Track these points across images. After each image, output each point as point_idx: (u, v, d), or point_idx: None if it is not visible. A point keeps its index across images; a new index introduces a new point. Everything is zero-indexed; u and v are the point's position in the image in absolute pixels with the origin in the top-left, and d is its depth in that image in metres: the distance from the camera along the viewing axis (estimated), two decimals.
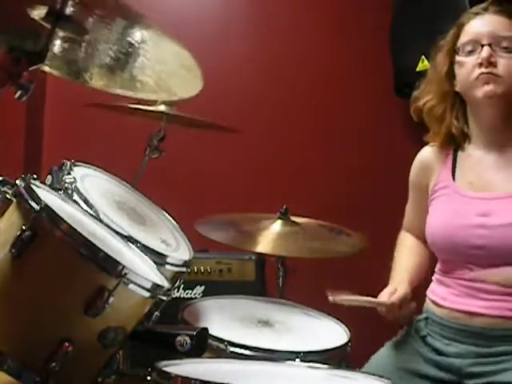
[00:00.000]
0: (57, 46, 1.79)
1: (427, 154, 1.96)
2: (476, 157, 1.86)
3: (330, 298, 1.72)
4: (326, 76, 3.47)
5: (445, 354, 1.79)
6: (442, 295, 1.85)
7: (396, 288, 1.81)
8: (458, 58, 1.85)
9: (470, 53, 1.82)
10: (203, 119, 2.54)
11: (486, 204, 1.78)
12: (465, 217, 1.79)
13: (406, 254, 1.99)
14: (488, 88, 1.77)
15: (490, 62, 1.77)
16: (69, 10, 1.66)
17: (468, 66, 1.81)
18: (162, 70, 1.91)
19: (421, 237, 1.98)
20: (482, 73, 1.78)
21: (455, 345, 1.79)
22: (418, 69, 3.02)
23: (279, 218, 2.40)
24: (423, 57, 2.99)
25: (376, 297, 1.81)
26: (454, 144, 1.90)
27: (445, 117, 1.89)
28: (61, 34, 1.75)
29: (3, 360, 1.43)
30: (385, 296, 1.79)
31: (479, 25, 1.83)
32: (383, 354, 1.90)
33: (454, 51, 1.86)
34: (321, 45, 3.47)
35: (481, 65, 1.78)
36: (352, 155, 3.45)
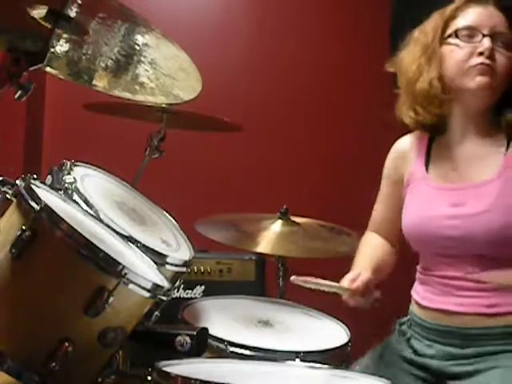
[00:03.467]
0: (58, 46, 1.79)
1: (403, 145, 1.94)
2: (451, 147, 1.83)
3: (292, 279, 1.68)
4: (326, 76, 3.47)
5: (425, 356, 1.78)
6: (422, 294, 1.84)
7: (359, 273, 1.75)
8: (451, 41, 1.78)
9: (468, 38, 1.76)
10: (203, 120, 2.54)
11: (459, 194, 1.77)
12: (437, 208, 1.78)
13: (370, 248, 1.95)
14: (484, 80, 1.73)
15: (490, 55, 1.73)
16: (71, 11, 1.67)
17: (463, 52, 1.76)
18: (162, 73, 1.91)
19: (388, 237, 1.97)
20: (482, 63, 1.73)
21: (435, 346, 1.78)
22: None
23: (279, 218, 2.40)
24: None
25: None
26: (429, 132, 1.87)
27: (436, 101, 1.80)
28: (62, 34, 1.76)
29: (3, 360, 1.43)
30: (347, 281, 1.74)
31: (480, 13, 1.78)
32: (368, 358, 1.88)
33: (444, 32, 1.80)
34: (320, 45, 3.48)
35: (480, 54, 1.74)
36: (352, 155, 3.45)
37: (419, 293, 1.86)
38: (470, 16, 1.79)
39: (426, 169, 1.85)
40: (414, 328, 1.84)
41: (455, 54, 1.78)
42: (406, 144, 1.94)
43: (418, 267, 1.89)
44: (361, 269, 1.80)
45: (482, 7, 1.79)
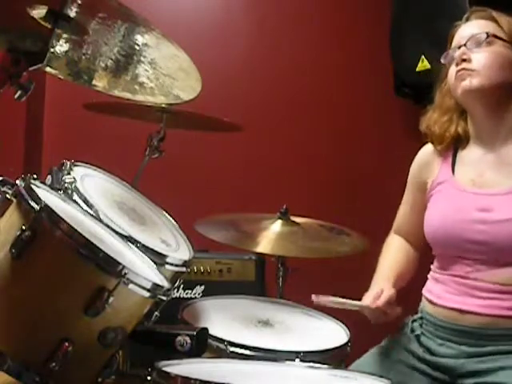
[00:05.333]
0: (58, 46, 1.79)
1: (428, 151, 1.95)
2: (477, 155, 1.85)
3: (314, 299, 1.71)
4: (326, 76, 3.47)
5: (437, 355, 1.79)
6: (438, 293, 1.84)
7: (382, 290, 1.79)
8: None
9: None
10: (203, 120, 2.54)
11: (487, 199, 1.78)
12: (465, 211, 1.78)
13: (393, 254, 1.99)
14: (464, 84, 1.79)
15: (462, 59, 1.80)
16: (71, 11, 1.67)
17: (452, 72, 1.84)
18: (161, 73, 1.91)
19: (410, 240, 2.00)
20: (458, 71, 1.81)
21: (448, 345, 1.78)
22: (417, 69, 3.03)
23: (279, 218, 2.40)
24: (423, 57, 2.99)
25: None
26: (455, 145, 1.90)
27: (450, 125, 1.88)
28: (61, 34, 1.76)
29: (3, 360, 1.43)
30: (370, 299, 1.77)
31: (460, 33, 1.87)
32: (374, 352, 1.88)
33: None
34: (320, 45, 3.48)
35: (457, 65, 1.81)
36: (352, 155, 3.45)
37: (433, 292, 1.86)
38: (454, 41, 1.88)
39: (453, 173, 1.87)
40: (425, 326, 1.85)
41: (449, 78, 1.86)
42: (431, 150, 1.95)
43: (433, 267, 1.90)
44: (383, 283, 1.83)
45: (462, 27, 1.88)
